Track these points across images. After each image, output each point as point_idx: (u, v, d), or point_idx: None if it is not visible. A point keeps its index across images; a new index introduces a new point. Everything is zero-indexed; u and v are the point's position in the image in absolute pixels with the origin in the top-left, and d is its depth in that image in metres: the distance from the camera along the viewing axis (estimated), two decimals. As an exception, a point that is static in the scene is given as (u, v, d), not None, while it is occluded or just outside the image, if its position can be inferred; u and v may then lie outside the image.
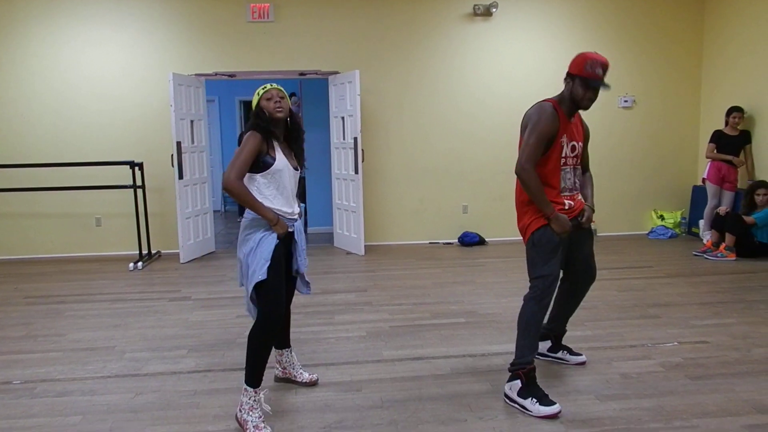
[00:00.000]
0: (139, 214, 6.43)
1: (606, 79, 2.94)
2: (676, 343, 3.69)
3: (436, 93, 7.13)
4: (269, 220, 2.73)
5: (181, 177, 6.37)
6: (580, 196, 3.15)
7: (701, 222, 7.07)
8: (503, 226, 7.34)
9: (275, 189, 2.81)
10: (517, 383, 2.90)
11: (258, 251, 2.72)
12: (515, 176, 3.03)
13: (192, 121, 6.60)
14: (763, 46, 6.46)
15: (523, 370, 2.90)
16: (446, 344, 3.76)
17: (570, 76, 2.97)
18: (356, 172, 6.57)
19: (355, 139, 6.49)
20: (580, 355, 3.42)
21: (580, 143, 3.07)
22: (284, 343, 3.22)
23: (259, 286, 2.69)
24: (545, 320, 3.16)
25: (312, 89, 7.83)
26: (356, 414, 2.84)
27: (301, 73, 6.88)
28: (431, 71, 7.09)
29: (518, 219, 3.17)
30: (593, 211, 3.12)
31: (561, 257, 3.00)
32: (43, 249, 6.88)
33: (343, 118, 6.72)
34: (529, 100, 7.01)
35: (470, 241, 7.12)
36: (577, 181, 3.11)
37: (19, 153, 6.66)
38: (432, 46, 7.05)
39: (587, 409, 2.83)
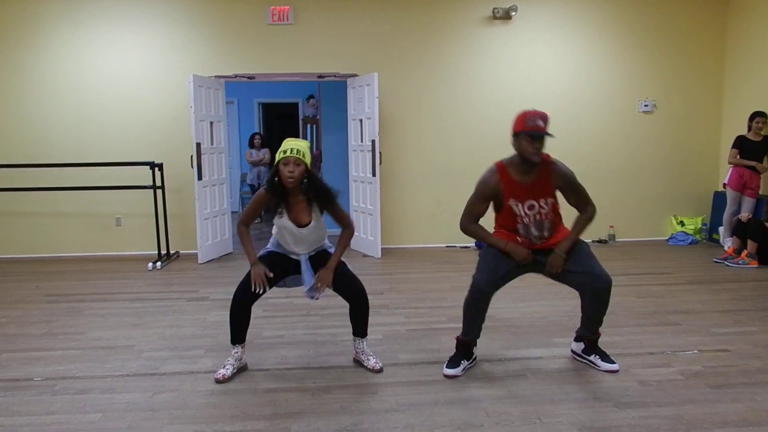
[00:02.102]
0: (158, 215, 6.50)
1: (549, 130, 3.13)
2: (696, 351, 3.64)
3: (455, 96, 7.12)
4: (249, 260, 3.32)
5: (200, 178, 6.42)
6: (547, 241, 3.32)
7: (721, 229, 6.98)
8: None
9: (278, 237, 3.38)
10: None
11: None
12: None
13: (211, 123, 6.65)
14: (787, 50, 6.37)
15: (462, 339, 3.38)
16: (463, 348, 3.74)
17: (514, 135, 3.17)
18: (374, 174, 6.58)
19: (373, 141, 6.49)
20: (614, 363, 3.37)
21: (544, 200, 3.24)
22: (360, 331, 3.44)
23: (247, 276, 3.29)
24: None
25: (330, 91, 7.86)
26: (372, 417, 2.84)
27: (320, 76, 6.91)
28: (450, 74, 7.08)
29: None
30: (563, 256, 3.20)
31: (502, 275, 3.28)
32: (64, 248, 6.98)
33: (361, 120, 6.73)
34: (547, 103, 7.07)
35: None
36: (546, 233, 3.30)
37: (42, 153, 6.77)
38: (451, 49, 7.04)
39: (605, 417, 2.80)
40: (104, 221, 7.00)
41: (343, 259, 3.41)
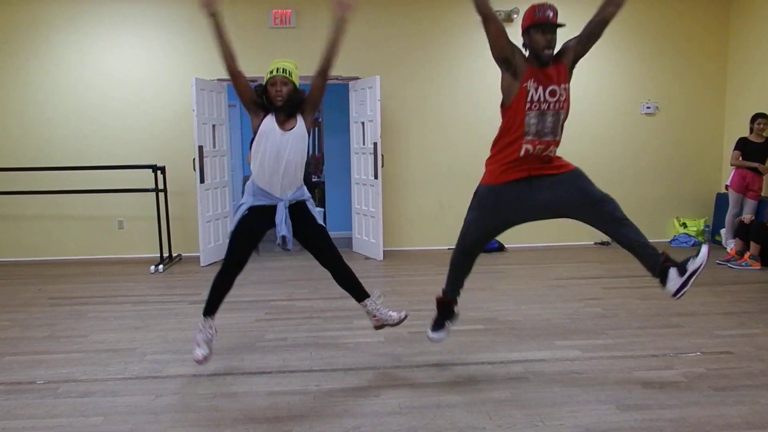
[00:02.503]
0: (160, 218, 6.51)
1: (560, 21, 3.02)
2: (699, 353, 3.63)
3: (457, 98, 7.12)
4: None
5: (202, 181, 6.43)
6: (556, 146, 3.11)
7: (722, 231, 6.98)
8: (523, 232, 7.21)
9: (257, 167, 3.30)
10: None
11: (234, 218, 3.37)
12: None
13: (214, 126, 6.66)
14: (790, 52, 6.36)
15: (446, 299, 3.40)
16: (465, 351, 3.74)
17: (524, 32, 3.07)
18: (375, 177, 6.58)
19: (375, 144, 6.50)
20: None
21: (564, 85, 3.06)
22: (361, 295, 3.48)
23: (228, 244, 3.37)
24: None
25: (332, 94, 7.86)
26: (374, 420, 2.84)
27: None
28: (452, 77, 7.08)
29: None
30: None
31: (487, 228, 3.33)
32: (67, 251, 7.00)
33: (363, 123, 6.74)
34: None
35: (489, 247, 7.07)
36: (558, 130, 3.08)
37: (45, 156, 6.79)
38: (453, 52, 7.05)
39: (607, 419, 2.79)
40: (107, 224, 7.01)
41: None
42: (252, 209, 3.32)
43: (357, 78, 6.87)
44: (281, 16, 6.80)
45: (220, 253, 6.85)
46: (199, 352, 3.30)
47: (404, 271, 6.12)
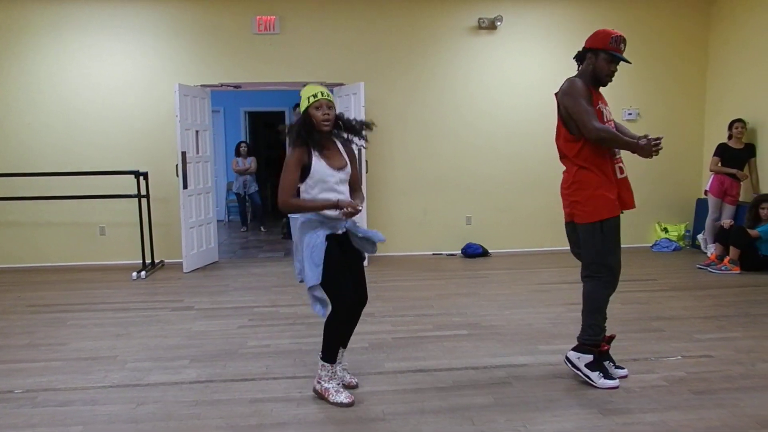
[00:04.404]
0: (143, 224, 6.46)
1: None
2: (679, 357, 3.67)
3: (441, 105, 7.15)
4: (332, 206, 2.93)
5: (185, 187, 6.39)
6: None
7: (699, 236, 7.09)
8: (507, 237, 7.34)
9: (319, 190, 2.99)
10: (588, 356, 3.21)
11: (311, 256, 2.93)
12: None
13: (197, 132, 6.63)
14: None
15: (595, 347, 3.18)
16: (449, 356, 3.75)
17: (593, 51, 3.10)
18: (360, 183, 6.57)
19: (360, 150, 6.50)
20: (623, 368, 3.38)
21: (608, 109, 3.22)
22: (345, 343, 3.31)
23: (324, 285, 2.93)
24: None
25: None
26: (358, 426, 2.83)
27: (306, 85, 6.91)
28: (436, 83, 7.12)
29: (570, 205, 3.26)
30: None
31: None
32: (47, 258, 6.91)
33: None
34: (534, 112, 7.13)
35: (473, 252, 7.11)
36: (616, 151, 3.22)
37: (26, 162, 6.70)
38: (437, 59, 7.09)
39: (590, 423, 2.81)
40: (88, 230, 6.93)
41: None
42: (328, 247, 3.00)
43: (341, 84, 6.88)
44: (265, 22, 6.79)
45: (204, 260, 6.85)
46: (350, 397, 3.08)
47: (388, 276, 6.12)
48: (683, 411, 2.93)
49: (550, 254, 7.13)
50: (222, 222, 10.43)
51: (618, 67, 3.15)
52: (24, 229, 6.88)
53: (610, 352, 3.39)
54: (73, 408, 3.07)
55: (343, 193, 3.04)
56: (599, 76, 3.12)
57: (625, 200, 3.24)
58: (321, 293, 2.96)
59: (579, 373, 3.23)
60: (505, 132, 7.19)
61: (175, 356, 3.82)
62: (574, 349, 3.28)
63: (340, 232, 3.08)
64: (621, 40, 3.08)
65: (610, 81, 3.15)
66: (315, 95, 2.97)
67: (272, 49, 6.86)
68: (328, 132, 3.02)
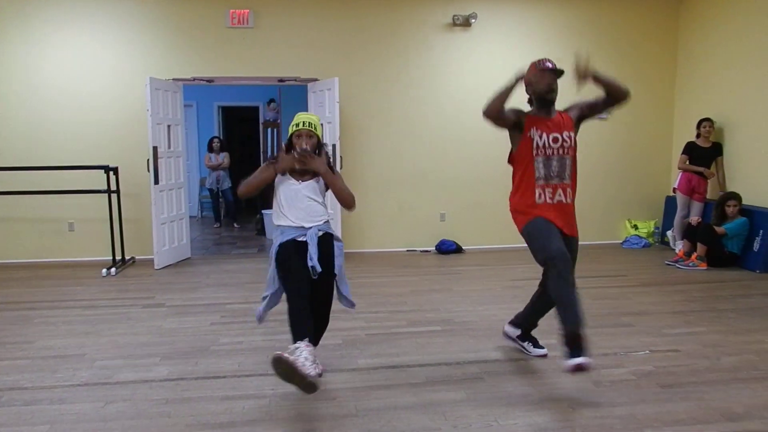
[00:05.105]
0: (113, 220, 6.35)
1: (558, 68, 3.33)
2: (647, 352, 3.73)
3: (416, 101, 7.16)
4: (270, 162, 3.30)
5: (156, 182, 6.30)
6: (566, 190, 3.36)
7: (668, 233, 7.22)
8: (480, 234, 7.38)
9: (280, 208, 3.29)
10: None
11: (271, 265, 3.26)
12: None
13: (169, 126, 6.54)
14: (736, 61, 6.61)
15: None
16: (422, 352, 3.76)
17: (527, 86, 3.37)
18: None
19: (334, 146, 6.48)
20: (542, 348, 3.68)
21: (567, 132, 3.37)
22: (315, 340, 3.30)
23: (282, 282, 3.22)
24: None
25: (291, 95, 7.83)
26: (331, 423, 2.83)
27: (280, 80, 6.87)
28: (411, 80, 7.12)
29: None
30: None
31: (555, 235, 3.21)
32: (14, 254, 6.75)
33: (322, 124, 6.70)
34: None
35: (447, 248, 7.14)
36: (567, 173, 3.35)
37: (-10, 156, 6.54)
38: (412, 55, 7.09)
39: (561, 417, 2.85)
40: (56, 226, 6.79)
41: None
42: (288, 242, 3.27)
43: (316, 80, 6.85)
44: (239, 16, 6.72)
45: (176, 256, 6.77)
46: (316, 369, 3.00)
47: (362, 272, 6.12)
48: (651, 404, 2.98)
49: (523, 251, 7.14)
50: (195, 218, 10.31)
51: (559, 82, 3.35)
52: (-11, 225, 6.72)
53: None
54: (40, 407, 3.01)
55: (305, 226, 3.26)
56: (540, 93, 3.31)
57: (555, 223, 3.30)
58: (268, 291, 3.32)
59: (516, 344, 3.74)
60: (480, 129, 7.22)
61: (145, 354, 3.77)
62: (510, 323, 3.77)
63: (300, 239, 3.23)
64: (545, 59, 3.32)
65: (552, 94, 3.31)
66: (297, 124, 3.26)
67: (246, 43, 6.79)
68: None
